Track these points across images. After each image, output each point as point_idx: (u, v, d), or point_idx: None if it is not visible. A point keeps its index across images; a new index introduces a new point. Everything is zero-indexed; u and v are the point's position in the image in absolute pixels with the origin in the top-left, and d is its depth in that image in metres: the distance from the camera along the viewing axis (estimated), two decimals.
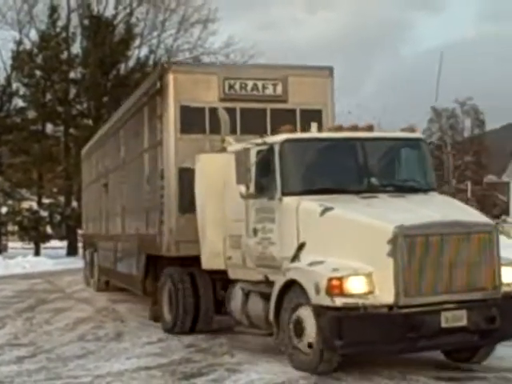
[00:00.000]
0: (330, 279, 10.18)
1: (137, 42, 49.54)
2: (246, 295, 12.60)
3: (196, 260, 14.14)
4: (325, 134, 12.30)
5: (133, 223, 17.90)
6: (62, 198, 47.58)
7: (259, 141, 12.00)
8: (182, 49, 50.33)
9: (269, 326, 11.67)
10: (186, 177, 14.12)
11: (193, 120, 14.43)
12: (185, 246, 14.29)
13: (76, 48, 48.16)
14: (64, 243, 47.20)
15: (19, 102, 48.03)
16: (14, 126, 46.42)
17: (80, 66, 47.94)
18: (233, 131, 14.12)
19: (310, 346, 10.67)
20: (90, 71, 46.33)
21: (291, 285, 10.96)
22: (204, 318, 14.44)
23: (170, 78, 14.40)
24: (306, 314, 10.66)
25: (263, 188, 11.86)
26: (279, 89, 14.74)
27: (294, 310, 10.89)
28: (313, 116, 14.29)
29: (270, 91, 14.71)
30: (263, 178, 11.86)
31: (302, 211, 11.28)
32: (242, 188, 11.91)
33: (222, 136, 13.63)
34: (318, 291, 10.27)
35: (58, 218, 46.09)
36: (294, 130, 12.21)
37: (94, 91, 46.26)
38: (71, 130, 47.22)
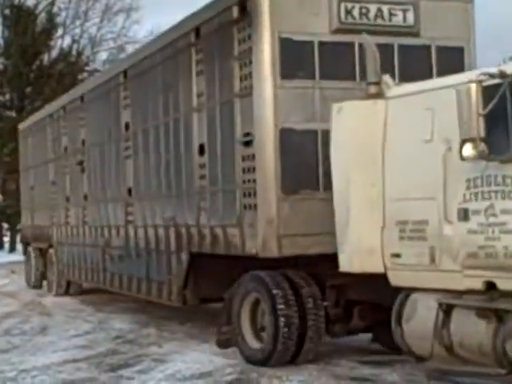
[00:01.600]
0: None
1: (59, 31, 43.14)
2: (446, 312, 7.20)
3: (293, 260, 8.91)
4: None
5: (158, 210, 12.04)
6: None
7: (492, 70, 6.55)
8: (105, 38, 44.15)
9: (500, 359, 6.75)
10: (291, 141, 8.75)
11: (298, 60, 8.86)
12: (291, 242, 8.73)
13: None
14: None
15: None
16: None
17: (2, 57, 41.67)
18: (350, 76, 8.73)
19: None
20: (12, 62, 40.20)
21: None
22: (313, 341, 8.97)
23: None
24: None
25: (491, 146, 6.56)
26: (410, 17, 9.30)
27: None
28: (452, 56, 9.21)
29: (398, 20, 9.26)
30: (493, 131, 6.52)
31: None
32: (469, 146, 6.48)
33: (371, 78, 8.09)
34: None
35: None
36: None
37: (16, 82, 40.11)
38: None
